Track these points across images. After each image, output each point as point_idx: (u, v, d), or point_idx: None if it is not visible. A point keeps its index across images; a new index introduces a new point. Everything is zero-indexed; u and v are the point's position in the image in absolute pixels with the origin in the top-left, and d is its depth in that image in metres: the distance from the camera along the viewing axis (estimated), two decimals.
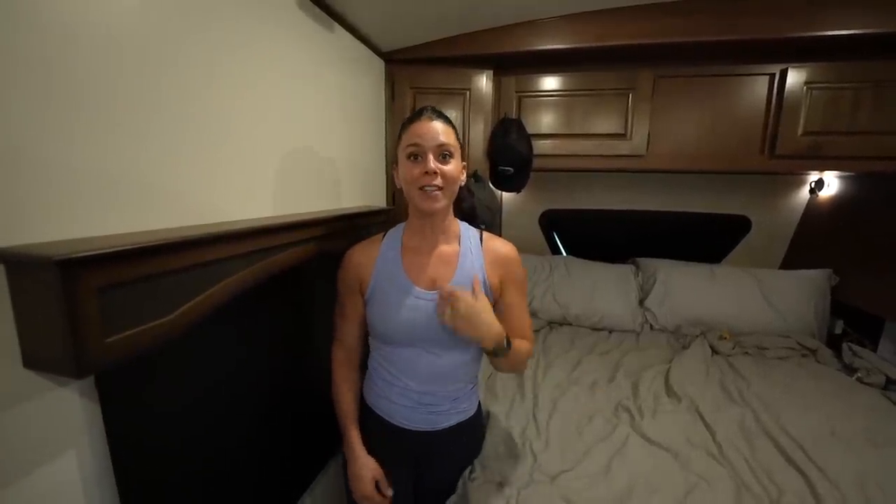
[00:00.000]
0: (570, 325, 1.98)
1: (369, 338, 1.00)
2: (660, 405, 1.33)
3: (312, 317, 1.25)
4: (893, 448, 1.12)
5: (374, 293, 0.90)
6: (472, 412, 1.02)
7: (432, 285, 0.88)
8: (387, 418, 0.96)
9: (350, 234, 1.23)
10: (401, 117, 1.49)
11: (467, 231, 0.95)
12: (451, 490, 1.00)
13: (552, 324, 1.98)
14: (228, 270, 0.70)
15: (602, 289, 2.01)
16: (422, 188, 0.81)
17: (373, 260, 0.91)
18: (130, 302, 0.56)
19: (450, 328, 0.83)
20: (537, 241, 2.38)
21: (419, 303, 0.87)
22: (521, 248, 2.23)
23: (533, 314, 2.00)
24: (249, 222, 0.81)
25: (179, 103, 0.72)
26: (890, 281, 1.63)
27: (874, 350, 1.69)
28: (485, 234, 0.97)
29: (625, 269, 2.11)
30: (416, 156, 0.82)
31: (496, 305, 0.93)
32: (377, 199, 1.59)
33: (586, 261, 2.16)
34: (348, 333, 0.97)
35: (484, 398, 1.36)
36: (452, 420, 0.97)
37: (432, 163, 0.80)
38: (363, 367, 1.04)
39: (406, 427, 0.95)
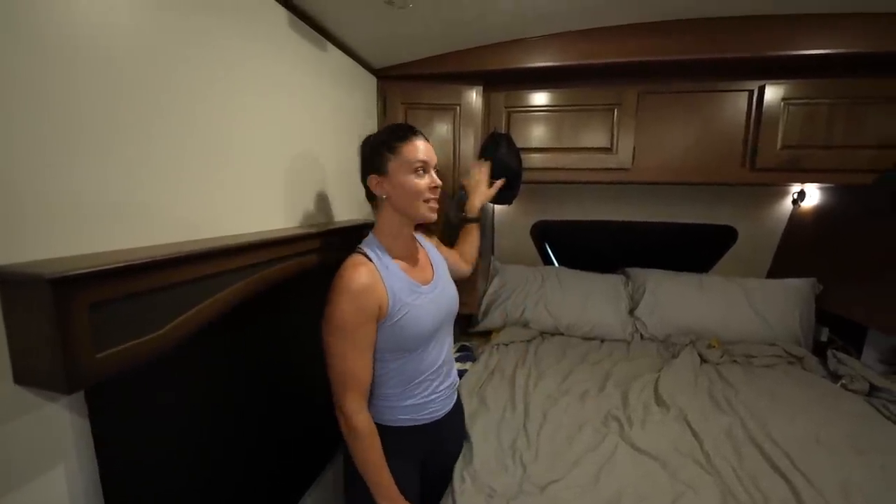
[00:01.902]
0: (562, 334, 2.00)
1: (380, 364, 0.94)
2: (649, 414, 1.34)
3: (308, 325, 1.26)
4: (876, 455, 1.14)
5: (398, 309, 0.89)
6: (458, 384, 1.15)
7: (426, 280, 0.99)
8: (402, 426, 0.97)
9: (342, 248, 1.25)
10: None
11: None
12: (448, 476, 1.08)
13: (544, 334, 2.00)
14: (220, 285, 0.71)
15: (593, 299, 2.04)
16: (426, 200, 0.93)
17: (379, 279, 0.88)
18: (121, 317, 0.57)
19: (455, 305, 1.05)
20: (529, 252, 2.41)
21: (431, 296, 0.97)
22: (514, 259, 2.29)
23: (525, 324, 2.02)
24: (241, 237, 0.83)
25: (175, 121, 0.74)
26: (871, 290, 1.67)
27: (858, 357, 1.72)
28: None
29: (615, 279, 2.14)
30: (422, 171, 0.92)
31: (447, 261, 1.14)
32: (369, 212, 1.61)
33: (577, 271, 2.19)
34: (367, 371, 0.90)
35: (476, 409, 1.37)
36: (455, 395, 1.11)
37: (437, 179, 0.94)
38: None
39: (428, 421, 1.00)
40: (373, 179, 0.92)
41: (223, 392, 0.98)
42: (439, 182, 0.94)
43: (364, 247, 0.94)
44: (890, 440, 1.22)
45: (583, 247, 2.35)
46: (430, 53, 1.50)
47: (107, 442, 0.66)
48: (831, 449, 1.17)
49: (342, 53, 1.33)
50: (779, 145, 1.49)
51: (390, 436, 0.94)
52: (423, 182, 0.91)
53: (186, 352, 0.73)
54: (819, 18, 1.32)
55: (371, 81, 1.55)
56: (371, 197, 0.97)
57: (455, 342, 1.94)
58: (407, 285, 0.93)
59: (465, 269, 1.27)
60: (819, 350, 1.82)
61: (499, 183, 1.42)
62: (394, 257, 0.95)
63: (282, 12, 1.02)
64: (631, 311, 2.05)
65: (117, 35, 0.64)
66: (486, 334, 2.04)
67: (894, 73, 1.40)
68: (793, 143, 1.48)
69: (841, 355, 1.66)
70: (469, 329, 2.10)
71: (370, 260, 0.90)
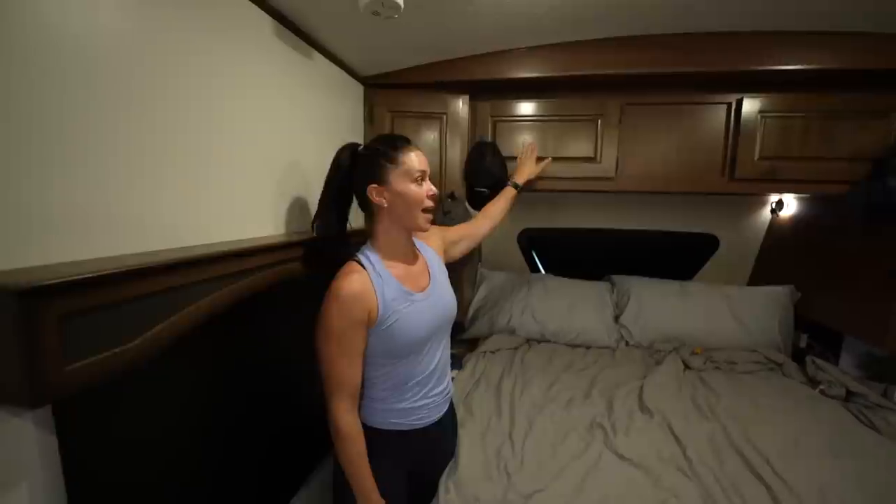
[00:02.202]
0: (549, 342, 2.00)
1: (370, 367, 0.95)
2: (633, 421, 1.35)
3: (301, 330, 1.25)
4: (852, 459, 1.17)
5: (386, 317, 0.90)
6: (452, 392, 1.16)
7: (421, 288, 1.00)
8: (390, 429, 0.99)
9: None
10: None
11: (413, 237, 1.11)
12: (437, 485, 1.07)
13: (531, 341, 2.00)
14: (195, 295, 0.70)
15: (579, 306, 2.05)
16: (425, 209, 0.95)
17: (370, 287, 0.90)
18: (92, 329, 0.56)
19: (451, 312, 1.06)
20: (516, 259, 2.43)
21: (425, 304, 0.98)
22: (501, 267, 2.29)
23: (511, 332, 2.03)
24: (221, 246, 0.82)
25: (159, 127, 0.73)
26: (846, 297, 1.72)
27: (836, 362, 1.77)
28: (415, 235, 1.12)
29: (601, 287, 2.16)
30: (421, 180, 0.94)
31: (448, 250, 1.21)
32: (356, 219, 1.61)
33: (564, 278, 2.21)
34: (355, 376, 0.91)
35: (462, 418, 1.36)
36: (446, 406, 1.10)
37: (433, 187, 0.96)
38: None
39: (414, 427, 1.01)
40: (373, 189, 0.93)
41: (209, 395, 0.96)
42: (436, 190, 0.97)
43: (360, 255, 0.96)
44: (865, 445, 1.25)
45: (569, 254, 2.37)
46: (416, 63, 1.51)
47: (76, 457, 0.64)
48: (810, 454, 1.19)
49: (329, 62, 1.33)
50: (756, 156, 1.53)
51: (378, 438, 0.96)
52: (422, 191, 0.94)
53: (168, 359, 0.71)
54: (793, 36, 1.37)
55: (358, 89, 1.56)
56: (366, 206, 0.98)
57: None
58: (399, 293, 0.94)
59: (484, 227, 1.37)
60: (798, 356, 1.86)
61: (547, 161, 1.59)
62: (388, 265, 0.96)
63: (267, 21, 1.02)
64: (616, 318, 2.07)
65: (98, 38, 0.63)
66: (473, 342, 2.04)
67: (863, 89, 1.45)
68: (770, 155, 1.53)
69: (819, 361, 1.70)
70: (456, 337, 2.10)
71: (364, 268, 0.92)
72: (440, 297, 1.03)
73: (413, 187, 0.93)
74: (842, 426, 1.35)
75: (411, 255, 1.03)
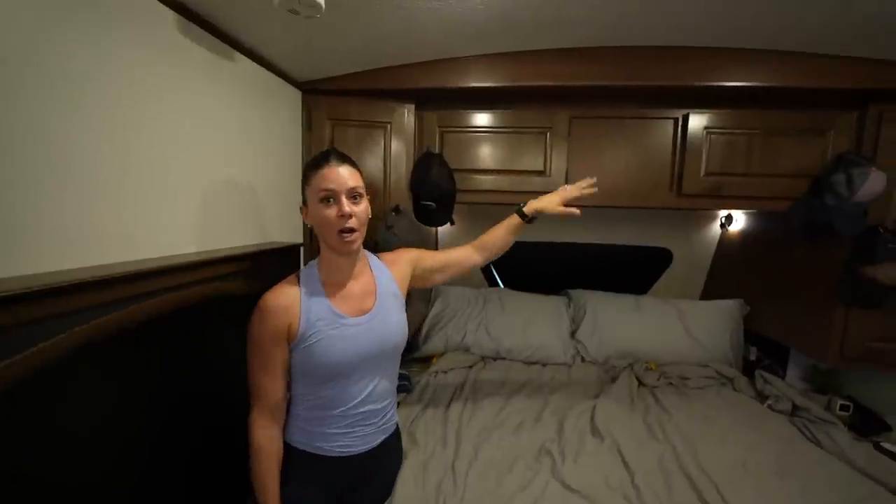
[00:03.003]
0: (504, 359, 1.93)
1: (295, 384, 0.94)
2: (583, 446, 1.29)
3: (228, 349, 1.13)
4: (796, 478, 1.16)
5: (307, 335, 0.88)
6: (395, 424, 1.09)
7: (360, 312, 0.94)
8: (314, 452, 0.94)
9: (249, 274, 1.13)
10: (318, 149, 1.43)
11: (369, 255, 1.04)
12: None
13: (486, 358, 1.93)
14: (51, 330, 0.57)
15: (535, 321, 2.00)
16: (339, 232, 0.86)
17: (297, 302, 0.88)
18: None
19: (394, 341, 0.98)
20: (475, 273, 2.36)
21: (358, 329, 0.92)
22: (458, 281, 2.20)
23: (466, 349, 1.95)
24: (88, 271, 0.70)
25: (41, 132, 0.64)
26: (791, 311, 1.74)
27: (784, 375, 1.79)
28: (376, 254, 1.07)
29: (557, 301, 2.12)
30: (329, 199, 0.86)
31: (428, 277, 1.12)
32: (294, 233, 1.50)
33: (520, 293, 2.16)
34: (274, 390, 0.90)
35: (405, 447, 1.26)
36: (383, 436, 1.02)
37: (346, 206, 0.86)
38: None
39: (339, 454, 0.95)
40: (303, 210, 0.93)
41: (132, 416, 0.84)
42: (346, 211, 0.85)
43: (302, 269, 0.95)
44: (809, 462, 1.24)
45: (527, 268, 2.32)
46: (357, 68, 1.43)
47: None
48: (756, 475, 1.17)
49: (255, 64, 1.23)
50: (702, 172, 1.53)
51: (295, 458, 0.94)
52: (331, 212, 0.86)
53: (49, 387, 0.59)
54: (738, 53, 1.38)
55: (295, 95, 1.46)
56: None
57: None
58: (328, 314, 0.90)
59: (476, 259, 1.17)
60: (748, 368, 1.87)
61: (573, 210, 1.18)
62: (325, 283, 0.93)
63: (167, 14, 0.91)
64: (573, 334, 2.03)
65: None
66: (427, 360, 1.94)
67: (804, 107, 1.48)
68: (715, 171, 1.53)
69: (767, 375, 1.71)
70: (408, 356, 2.00)
71: (298, 282, 0.91)
72: (382, 325, 0.95)
73: (321, 209, 0.86)
74: (787, 443, 1.34)
75: (351, 278, 0.96)
